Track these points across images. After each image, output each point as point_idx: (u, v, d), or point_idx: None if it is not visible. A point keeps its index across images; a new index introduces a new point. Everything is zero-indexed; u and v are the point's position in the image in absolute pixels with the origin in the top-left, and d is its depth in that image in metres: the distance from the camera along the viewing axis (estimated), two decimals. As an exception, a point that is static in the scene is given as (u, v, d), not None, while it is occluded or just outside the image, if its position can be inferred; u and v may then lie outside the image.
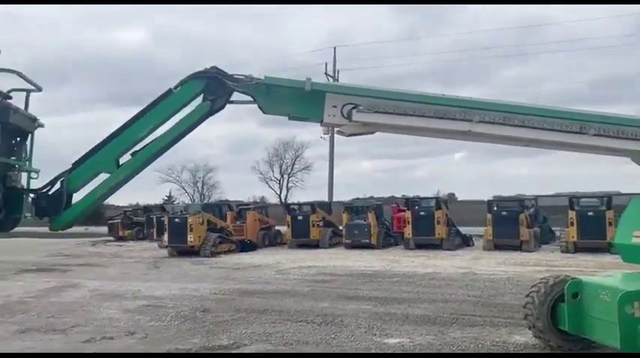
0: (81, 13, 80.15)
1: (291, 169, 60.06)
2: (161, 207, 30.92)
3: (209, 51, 78.97)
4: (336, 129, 5.51)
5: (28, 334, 7.31)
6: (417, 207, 19.40)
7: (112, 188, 5.13)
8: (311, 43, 77.46)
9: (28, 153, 5.17)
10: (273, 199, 59.81)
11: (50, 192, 5.07)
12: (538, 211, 21.20)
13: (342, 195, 37.52)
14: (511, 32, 73.86)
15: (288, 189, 60.37)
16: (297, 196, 58.13)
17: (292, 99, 5.26)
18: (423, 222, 18.67)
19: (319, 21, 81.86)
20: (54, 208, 5.01)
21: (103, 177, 5.15)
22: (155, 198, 53.19)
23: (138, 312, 8.66)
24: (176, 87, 5.16)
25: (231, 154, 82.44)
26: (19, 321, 8.10)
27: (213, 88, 5.13)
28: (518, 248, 17.71)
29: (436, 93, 5.23)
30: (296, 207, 22.27)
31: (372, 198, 51.91)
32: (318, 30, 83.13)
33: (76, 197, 5.33)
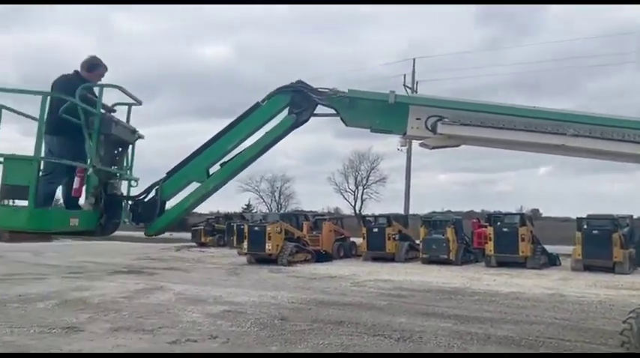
0: (169, 29, 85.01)
1: (366, 181, 60.04)
2: (241, 216, 31.89)
3: (289, 64, 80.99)
4: (418, 141, 5.44)
5: (120, 332, 7.74)
6: (499, 223, 18.64)
7: (201, 197, 5.36)
8: (390, 55, 77.36)
9: (129, 162, 5.54)
10: (347, 210, 59.98)
11: (146, 200, 5.37)
12: (633, 231, 19.65)
13: (417, 208, 37.06)
14: (600, 41, 69.81)
15: (362, 201, 60.37)
16: (371, 208, 57.94)
17: (375, 111, 5.27)
18: (506, 239, 17.89)
19: (398, 32, 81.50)
20: (149, 214, 5.30)
21: (194, 186, 5.39)
22: (235, 206, 55.03)
23: (219, 317, 8.94)
24: (263, 100, 5.33)
25: (307, 165, 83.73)
26: (112, 320, 8.61)
27: (299, 102, 5.25)
28: (610, 270, 16.53)
29: (526, 105, 5.01)
30: (372, 219, 22.14)
31: (449, 212, 50.66)
32: (397, 41, 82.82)
33: (168, 204, 5.61)
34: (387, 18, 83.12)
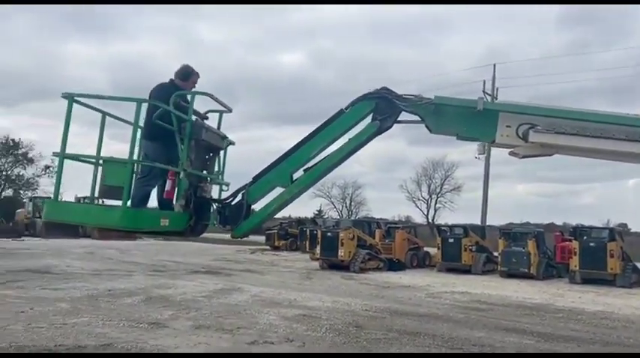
0: (246, 37, 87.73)
1: (440, 189, 58.79)
2: (313, 221, 32.23)
3: (364, 71, 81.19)
4: (507, 150, 5.23)
5: (201, 330, 8.03)
6: (586, 237, 17.55)
7: (285, 202, 5.46)
8: (467, 61, 75.43)
9: (220, 167, 5.75)
10: (418, 218, 59.03)
11: (233, 203, 5.54)
12: None
13: (493, 219, 35.69)
14: None
15: (435, 210, 59.13)
16: (445, 217, 56.67)
17: (462, 118, 5.13)
18: (593, 254, 16.80)
19: (476, 37, 79.39)
20: (235, 217, 5.46)
21: (278, 191, 5.50)
22: (307, 211, 55.65)
23: (295, 321, 9.04)
24: (347, 107, 5.34)
25: (379, 172, 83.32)
26: (194, 318, 8.95)
27: (383, 108, 5.21)
28: None
29: (628, 113, 4.69)
30: (447, 228, 21.59)
31: (527, 223, 48.43)
32: (475, 47, 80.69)
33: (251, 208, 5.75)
34: (464, 22, 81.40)
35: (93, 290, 11.40)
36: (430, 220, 57.59)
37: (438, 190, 58.75)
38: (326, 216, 54.84)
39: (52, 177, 48.65)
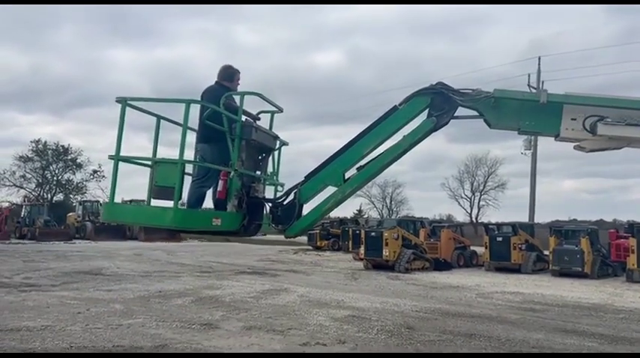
0: (284, 39, 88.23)
1: (484, 187, 57.47)
2: (355, 221, 32.05)
3: (402, 69, 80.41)
4: (572, 144, 4.98)
5: (252, 331, 8.04)
6: (644, 234, 16.74)
7: (338, 201, 5.36)
8: (510, 55, 73.57)
9: (275, 168, 5.73)
10: (459, 217, 57.92)
11: (285, 203, 5.50)
12: None
13: (539, 217, 34.58)
14: None
15: (479, 208, 57.88)
16: (489, 215, 55.36)
17: (523, 112, 4.90)
18: (653, 252, 16.02)
19: (519, 31, 77.36)
20: (287, 217, 5.40)
21: (329, 190, 5.41)
22: (347, 211, 55.48)
23: (345, 322, 8.95)
24: (401, 104, 5.19)
25: (419, 170, 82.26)
26: (244, 319, 8.98)
27: (439, 104, 5.03)
28: None
29: None
30: (495, 227, 21.04)
31: (574, 220, 46.69)
32: (517, 41, 78.62)
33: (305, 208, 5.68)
34: (505, 16, 79.37)
35: (144, 292, 11.63)
36: (474, 218, 56.41)
37: (481, 188, 57.40)
38: (366, 216, 54.48)
39: (99, 181, 50.28)
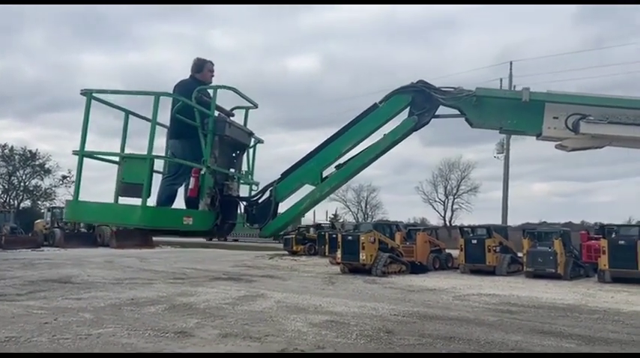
0: (259, 44, 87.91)
1: (457, 190, 58.19)
2: (331, 225, 31.92)
3: (376, 74, 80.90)
4: (554, 144, 4.94)
5: (229, 339, 7.80)
6: (614, 235, 17.06)
7: (316, 200, 5.23)
8: (482, 61, 74.80)
9: (250, 166, 5.55)
10: (433, 220, 58.45)
11: (260, 201, 5.33)
12: None
13: (511, 220, 35.01)
14: None
15: (453, 211, 58.55)
16: (462, 219, 56.02)
17: (506, 110, 4.85)
18: (623, 253, 16.28)
19: (490, 37, 78.74)
20: (263, 216, 5.24)
21: (306, 188, 5.27)
22: (321, 215, 55.34)
23: (323, 327, 8.78)
24: (381, 102, 5.09)
25: (393, 174, 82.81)
26: (219, 326, 8.73)
27: (420, 103, 4.95)
28: None
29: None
30: (469, 229, 21.17)
31: (544, 223, 47.60)
32: (489, 47, 79.97)
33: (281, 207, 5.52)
34: (476, 23, 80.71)
35: (115, 300, 11.25)
36: (447, 222, 57.00)
37: (454, 191, 58.14)
38: (342, 220, 54.47)
39: (69, 187, 49.09)
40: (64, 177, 49.95)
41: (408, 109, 5.04)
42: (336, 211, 59.52)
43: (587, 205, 78.13)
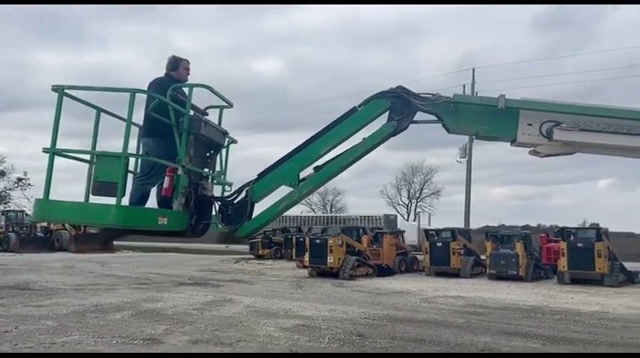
0: (223, 45, 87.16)
1: (420, 194, 59.16)
2: (298, 228, 31.84)
3: (341, 78, 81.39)
4: (528, 150, 5.08)
5: (199, 345, 7.67)
6: (573, 238, 17.67)
7: (294, 201, 5.22)
8: (444, 67, 76.36)
9: (223, 166, 5.50)
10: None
11: (235, 201, 5.28)
12: None
13: (472, 223, 35.81)
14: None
15: (416, 214, 59.41)
16: (424, 222, 56.83)
17: (482, 117, 4.96)
18: (581, 255, 16.88)
19: (451, 43, 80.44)
20: (238, 216, 5.19)
21: (283, 189, 5.26)
22: (287, 220, 55.07)
23: (295, 331, 8.74)
24: (360, 105, 5.12)
25: (358, 178, 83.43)
26: (189, 332, 8.56)
27: (399, 108, 5.00)
28: (699, 289, 15.32)
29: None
30: (434, 232, 21.53)
31: (503, 226, 48.95)
32: (451, 53, 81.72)
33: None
34: (438, 29, 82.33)
35: (78, 306, 10.90)
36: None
37: (417, 195, 59.08)
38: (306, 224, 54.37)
39: (24, 189, 47.35)
40: (20, 179, 48.22)
41: (386, 114, 5.08)
42: (301, 214, 59.34)
43: (544, 208, 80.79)
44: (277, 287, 15.59)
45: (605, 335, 9.00)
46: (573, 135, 4.55)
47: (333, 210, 63.05)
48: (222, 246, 45.64)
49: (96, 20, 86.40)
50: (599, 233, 17.36)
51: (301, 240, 22.12)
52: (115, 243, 35.70)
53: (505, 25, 78.74)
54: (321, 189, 59.89)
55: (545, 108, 4.74)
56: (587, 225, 33.60)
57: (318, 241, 18.55)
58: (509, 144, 5.03)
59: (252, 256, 29.64)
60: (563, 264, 17.37)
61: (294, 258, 23.76)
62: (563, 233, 18.16)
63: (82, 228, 36.37)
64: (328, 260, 18.02)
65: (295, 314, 10.51)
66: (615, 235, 34.19)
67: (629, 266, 19.35)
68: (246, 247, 33.72)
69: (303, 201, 58.23)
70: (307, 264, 18.99)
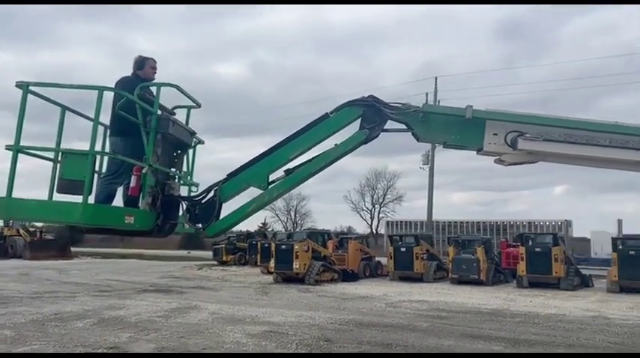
0: (183, 48, 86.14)
1: (383, 199, 59.81)
2: (262, 234, 31.70)
3: (303, 83, 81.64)
4: (493, 158, 5.27)
5: (166, 352, 7.56)
6: (531, 243, 18.25)
7: (263, 204, 5.26)
8: (405, 74, 77.60)
9: (189, 167, 5.49)
10: (360, 228, 59.73)
11: (203, 201, 5.28)
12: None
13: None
14: (615, 61, 69.67)
15: (379, 220, 60.02)
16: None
17: (450, 126, 5.12)
18: (539, 259, 17.47)
19: (413, 51, 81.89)
20: (206, 216, 5.19)
21: (252, 191, 5.29)
22: (250, 225, 54.87)
23: (262, 338, 8.72)
24: (332, 112, 5.21)
25: (322, 183, 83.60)
26: (154, 339, 8.43)
27: (371, 117, 5.11)
28: (648, 291, 16.07)
29: (609, 120, 4.84)
30: (398, 237, 21.83)
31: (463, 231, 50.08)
32: (412, 61, 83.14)
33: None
34: (400, 36, 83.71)
35: (37, 315, 10.56)
36: (374, 230, 58.34)
37: (380, 200, 59.72)
38: (270, 229, 54.19)
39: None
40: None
41: (357, 122, 5.18)
42: (265, 220, 59.18)
43: (503, 214, 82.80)
44: (243, 294, 15.49)
45: (562, 337, 9.33)
46: (537, 144, 4.77)
47: (297, 215, 63.02)
48: (184, 252, 44.97)
49: (50, 20, 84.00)
50: (556, 238, 18.00)
51: (266, 245, 22.04)
52: (72, 249, 34.85)
53: (466, 34, 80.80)
54: (286, 195, 59.75)
55: (510, 118, 4.95)
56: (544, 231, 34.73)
57: (283, 247, 18.53)
58: (475, 152, 5.21)
59: (215, 262, 29.31)
60: (522, 268, 17.92)
61: (258, 263, 23.64)
62: (521, 238, 18.74)
63: (38, 234, 35.38)
64: (294, 265, 18.02)
65: (262, 321, 10.48)
66: (569, 240, 35.57)
67: (584, 270, 20.13)
68: (209, 253, 33.35)
69: (267, 207, 58.12)
70: (272, 269, 18.93)
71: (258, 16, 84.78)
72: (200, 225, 5.26)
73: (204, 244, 51.08)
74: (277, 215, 62.14)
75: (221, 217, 5.32)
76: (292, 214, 62.73)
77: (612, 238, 17.41)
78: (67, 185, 4.41)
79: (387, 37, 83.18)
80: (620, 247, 16.87)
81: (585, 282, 18.76)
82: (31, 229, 36.17)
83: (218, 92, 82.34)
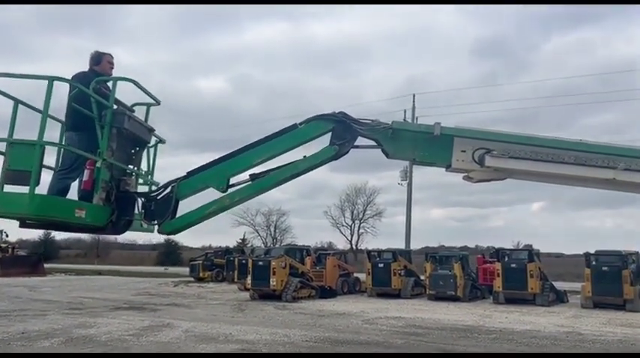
0: (165, 62, 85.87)
1: (363, 215, 59.87)
2: (240, 250, 31.39)
3: (286, 98, 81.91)
4: (461, 175, 5.30)
5: (134, 373, 7.38)
6: (507, 259, 18.40)
7: (224, 207, 5.18)
8: (386, 91, 78.49)
9: (150, 166, 5.42)
10: (340, 244, 59.61)
11: (159, 197, 5.19)
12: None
13: (412, 243, 36.58)
14: (595, 78, 71.41)
15: (359, 235, 60.03)
16: (367, 243, 57.60)
17: (419, 143, 5.15)
18: (515, 275, 17.60)
19: (393, 68, 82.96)
20: (162, 212, 5.10)
21: (212, 192, 5.21)
22: (229, 240, 54.41)
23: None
24: (301, 123, 5.20)
25: (302, 199, 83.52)
26: (124, 359, 8.24)
27: (340, 132, 5.11)
28: (621, 307, 16.26)
29: (574, 138, 4.92)
30: (376, 254, 21.83)
31: (442, 246, 50.32)
32: (393, 77, 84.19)
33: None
34: (382, 54, 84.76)
35: (3, 334, 10.25)
36: (354, 246, 58.29)
37: (360, 216, 59.76)
38: (250, 245, 53.72)
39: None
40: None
41: (327, 136, 5.17)
42: (244, 235, 58.65)
43: (481, 230, 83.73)
44: (218, 311, 15.26)
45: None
46: (503, 162, 4.82)
47: (277, 231, 62.62)
48: (161, 269, 44.30)
49: (34, 33, 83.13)
50: (531, 254, 18.18)
51: (244, 262, 21.81)
52: (46, 265, 34.01)
53: (446, 51, 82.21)
54: (265, 210, 59.47)
55: (477, 136, 5.00)
56: (521, 246, 35.10)
57: (261, 263, 18.34)
58: (444, 169, 5.24)
59: (192, 279, 28.87)
60: (498, 284, 18.02)
61: (236, 280, 23.36)
62: (498, 254, 18.88)
63: (10, 250, 34.48)
64: (271, 282, 17.83)
65: (235, 339, 10.31)
66: (546, 256, 35.96)
67: (559, 285, 20.34)
68: (186, 270, 32.89)
69: (246, 222, 57.63)
70: (249, 286, 18.71)
71: (242, 32, 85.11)
72: (155, 222, 5.18)
73: (182, 260, 50.40)
74: (257, 230, 61.66)
75: (179, 216, 5.25)
76: (272, 230, 62.30)
77: (585, 254, 17.62)
78: (14, 176, 4.29)
79: (370, 52, 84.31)
80: (594, 263, 17.10)
81: (560, 298, 18.94)
82: (3, 245, 35.23)
83: (200, 106, 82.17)
